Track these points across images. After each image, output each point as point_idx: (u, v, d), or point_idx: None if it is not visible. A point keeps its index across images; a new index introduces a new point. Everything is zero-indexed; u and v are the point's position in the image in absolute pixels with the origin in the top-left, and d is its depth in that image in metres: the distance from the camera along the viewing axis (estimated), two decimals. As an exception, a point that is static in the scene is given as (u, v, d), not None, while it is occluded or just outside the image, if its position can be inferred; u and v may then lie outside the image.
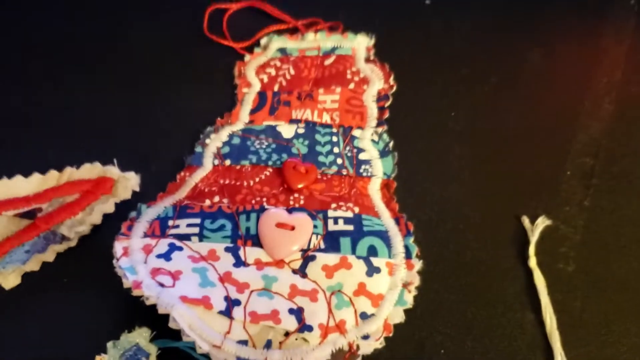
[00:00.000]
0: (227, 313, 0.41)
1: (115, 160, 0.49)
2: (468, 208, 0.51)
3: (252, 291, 0.43)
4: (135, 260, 0.43)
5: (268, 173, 0.52)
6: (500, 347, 0.44)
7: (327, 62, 0.60)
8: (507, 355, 0.44)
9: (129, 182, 0.48)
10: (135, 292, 0.41)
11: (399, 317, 0.42)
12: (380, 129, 0.55)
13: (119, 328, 0.42)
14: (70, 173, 0.49)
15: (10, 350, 0.44)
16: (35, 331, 0.45)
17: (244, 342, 0.40)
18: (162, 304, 0.40)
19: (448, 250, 0.49)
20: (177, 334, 0.41)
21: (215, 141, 0.54)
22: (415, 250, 0.45)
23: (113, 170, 0.49)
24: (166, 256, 0.44)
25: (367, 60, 0.61)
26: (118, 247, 0.44)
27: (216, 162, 0.53)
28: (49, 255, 0.47)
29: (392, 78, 0.59)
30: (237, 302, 0.42)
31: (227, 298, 0.42)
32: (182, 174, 0.52)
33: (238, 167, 0.52)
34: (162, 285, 0.42)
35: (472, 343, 0.44)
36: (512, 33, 0.65)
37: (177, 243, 0.45)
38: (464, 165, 0.54)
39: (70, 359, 0.42)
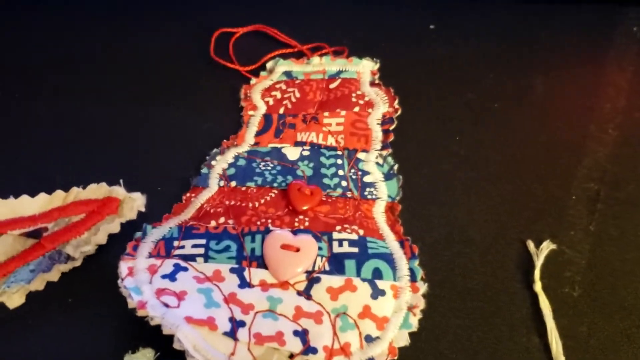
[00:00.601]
0: (231, 334, 0.41)
1: (121, 181, 0.49)
2: (473, 231, 0.51)
3: (256, 312, 0.42)
4: (140, 280, 0.43)
5: (273, 195, 0.52)
6: (506, 371, 0.44)
7: (333, 85, 0.61)
8: (513, 379, 0.44)
9: (134, 203, 0.48)
10: (140, 313, 0.41)
11: (404, 341, 0.42)
12: (385, 152, 0.55)
13: (122, 348, 0.42)
14: (77, 193, 0.49)
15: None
16: (39, 351, 0.44)
17: (248, 364, 0.40)
18: (166, 324, 0.40)
19: (453, 273, 0.49)
20: (181, 356, 0.40)
21: (221, 162, 0.54)
22: (420, 273, 0.45)
23: (119, 191, 0.49)
24: (171, 276, 0.44)
25: (372, 84, 0.62)
26: (123, 267, 0.44)
27: (222, 183, 0.53)
28: (54, 275, 0.46)
29: (396, 102, 0.59)
30: (241, 324, 0.42)
31: (231, 319, 0.42)
32: (188, 194, 0.52)
33: (243, 188, 0.52)
34: (167, 305, 0.41)
35: (481, 366, 0.44)
36: (516, 59, 0.66)
37: (182, 264, 0.45)
38: (469, 189, 0.54)
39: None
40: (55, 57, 0.67)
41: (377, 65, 0.63)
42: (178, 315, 0.41)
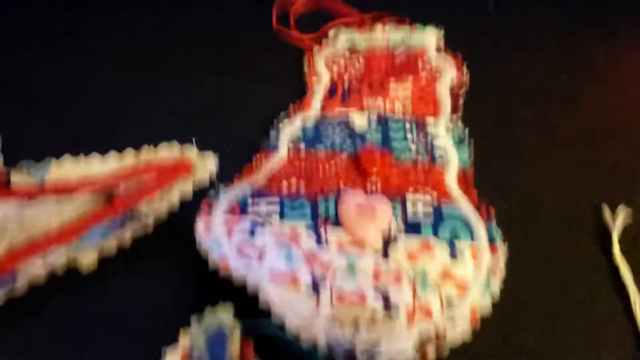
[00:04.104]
0: (313, 290, 0.40)
1: (193, 140, 0.49)
2: (547, 197, 0.51)
3: (336, 270, 0.42)
4: (218, 236, 0.43)
5: (343, 158, 0.51)
6: (590, 334, 0.43)
7: (397, 52, 0.60)
8: (597, 342, 0.43)
9: (207, 162, 0.48)
10: (223, 273, 0.41)
11: (486, 302, 0.41)
12: (454, 117, 0.54)
13: (198, 304, 0.41)
14: (148, 152, 0.49)
15: (91, 327, 0.43)
16: (114, 309, 0.44)
17: (331, 321, 0.39)
18: (250, 278, 0.40)
19: (530, 237, 0.48)
20: (259, 312, 0.40)
21: (289, 127, 0.54)
22: (498, 234, 0.44)
23: (191, 151, 0.48)
24: (250, 233, 0.43)
25: (438, 50, 0.61)
26: (200, 224, 0.44)
27: (291, 146, 0.52)
28: (127, 234, 0.46)
29: (464, 67, 0.58)
30: (322, 280, 0.41)
31: (312, 275, 0.41)
32: (258, 157, 0.52)
33: (313, 151, 0.52)
34: (248, 259, 0.41)
35: (562, 329, 0.43)
36: (579, 32, 0.66)
37: (259, 220, 0.44)
38: (540, 155, 0.54)
39: (153, 334, 0.41)
40: (131, 30, 0.67)
41: (442, 33, 0.62)
42: (260, 269, 0.40)
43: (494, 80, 0.60)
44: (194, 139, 0.49)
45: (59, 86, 0.60)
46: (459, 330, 0.40)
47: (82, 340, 0.43)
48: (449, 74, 0.57)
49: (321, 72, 0.59)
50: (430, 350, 0.40)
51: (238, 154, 0.52)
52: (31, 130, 0.55)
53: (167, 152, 0.48)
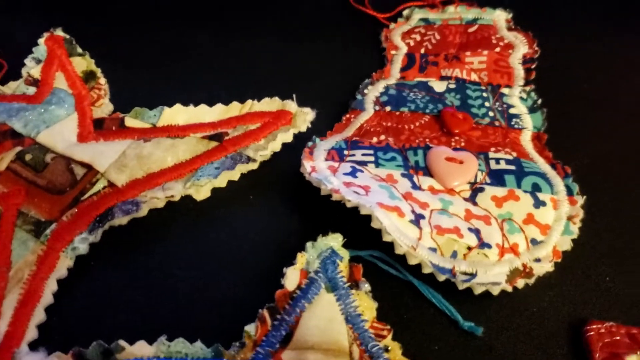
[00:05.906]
0: (416, 223, 0.44)
1: (294, 96, 0.53)
2: (614, 162, 0.54)
3: (432, 210, 0.46)
4: (325, 174, 0.47)
5: (427, 119, 0.55)
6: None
7: (471, 30, 0.64)
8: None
9: (306, 116, 0.52)
10: (335, 197, 0.44)
11: (567, 245, 0.45)
12: (527, 88, 0.58)
13: (308, 235, 0.44)
14: (251, 105, 0.52)
15: (207, 250, 0.47)
16: (230, 235, 0.48)
17: (433, 250, 0.43)
18: (365, 204, 0.43)
19: (600, 194, 0.51)
20: (361, 246, 0.44)
21: (373, 91, 0.58)
22: (576, 188, 0.48)
23: (291, 105, 0.52)
24: (352, 174, 0.47)
25: (510, 29, 0.65)
26: (307, 165, 0.48)
27: (377, 108, 0.56)
28: (235, 174, 0.50)
29: (536, 44, 0.62)
30: (421, 216, 0.45)
31: (413, 211, 0.45)
32: (347, 115, 0.56)
33: (397, 113, 0.56)
34: (356, 193, 0.45)
35: (634, 272, 0.46)
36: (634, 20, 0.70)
37: (358, 167, 0.48)
38: (605, 123, 0.58)
39: (274, 256, 0.46)
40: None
41: (510, 15, 0.66)
42: (370, 201, 0.44)
43: (556, 61, 0.63)
44: (294, 95, 0.53)
45: (165, 49, 0.66)
46: (544, 266, 0.44)
47: (198, 264, 0.46)
48: (521, 49, 0.61)
49: (398, 46, 0.63)
50: (519, 281, 0.43)
51: (328, 113, 0.56)
52: (141, 87, 0.60)
53: (269, 106, 0.52)
